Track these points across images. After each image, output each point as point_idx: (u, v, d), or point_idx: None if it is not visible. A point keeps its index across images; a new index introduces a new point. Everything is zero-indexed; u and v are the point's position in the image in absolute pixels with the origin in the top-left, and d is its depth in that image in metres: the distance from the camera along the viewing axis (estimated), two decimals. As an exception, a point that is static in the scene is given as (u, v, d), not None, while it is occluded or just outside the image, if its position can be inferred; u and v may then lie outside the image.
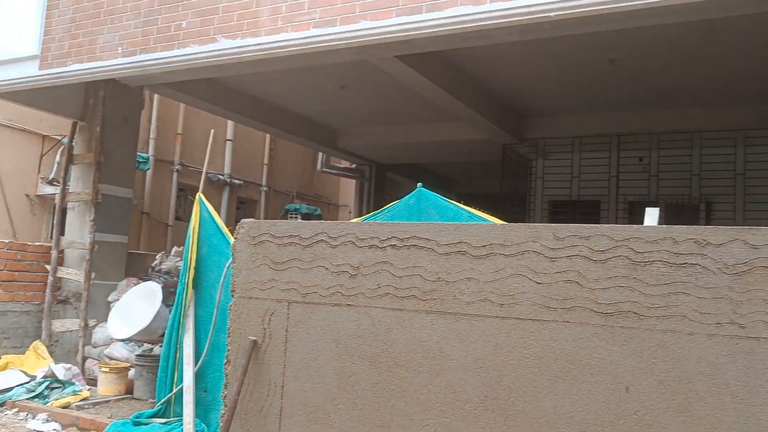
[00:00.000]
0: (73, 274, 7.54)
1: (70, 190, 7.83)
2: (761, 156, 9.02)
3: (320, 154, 12.99)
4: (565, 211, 11.06)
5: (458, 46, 5.85)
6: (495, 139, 10.04)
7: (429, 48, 5.87)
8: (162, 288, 6.57)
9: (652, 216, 3.68)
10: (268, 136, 13.81)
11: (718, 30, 6.30)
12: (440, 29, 5.32)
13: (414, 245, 2.73)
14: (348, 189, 16.15)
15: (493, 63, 7.59)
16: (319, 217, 15.00)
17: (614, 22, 5.18)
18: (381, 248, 2.80)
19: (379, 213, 5.07)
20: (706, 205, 10.09)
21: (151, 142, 11.66)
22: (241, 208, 14.42)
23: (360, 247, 2.84)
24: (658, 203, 9.84)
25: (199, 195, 5.58)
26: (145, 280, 7.49)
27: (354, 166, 13.54)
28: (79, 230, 7.73)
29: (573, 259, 2.42)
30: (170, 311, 6.49)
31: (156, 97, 11.12)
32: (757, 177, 9.16)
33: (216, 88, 8.66)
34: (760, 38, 6.35)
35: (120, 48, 6.39)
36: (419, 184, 4.82)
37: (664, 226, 2.35)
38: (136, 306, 6.46)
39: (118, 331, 6.37)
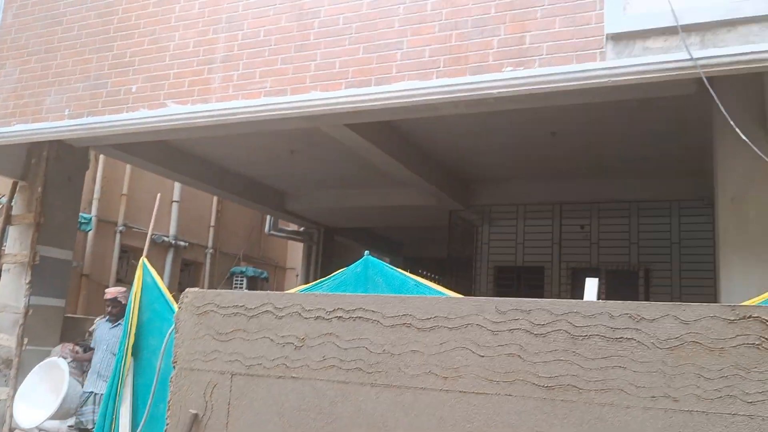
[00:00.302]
0: (4, 339, 7.21)
1: (6, 251, 7.57)
2: (695, 226, 9.43)
3: (268, 216, 12.96)
4: (510, 276, 11.24)
5: (407, 117, 6.02)
6: (442, 205, 10.23)
7: (378, 118, 6.02)
8: (69, 362, 6.31)
9: (591, 286, 3.79)
10: (215, 197, 13.72)
11: (652, 108, 6.67)
12: (389, 102, 5.48)
13: (360, 317, 2.74)
14: (296, 252, 16.07)
15: (440, 132, 7.82)
16: (265, 280, 14.82)
17: (552, 100, 5.43)
18: (327, 320, 2.80)
19: (326, 280, 5.08)
20: (644, 272, 10.43)
21: (95, 203, 11.44)
22: (185, 271, 14.15)
23: (306, 318, 2.84)
24: (599, 270, 10.12)
25: (143, 260, 5.48)
26: (81, 345, 7.21)
27: (302, 229, 13.53)
28: (14, 293, 7.43)
29: (515, 332, 2.48)
30: (82, 384, 6.21)
31: (101, 156, 10.97)
32: (691, 246, 9.54)
33: (164, 150, 8.62)
34: (690, 117, 6.74)
35: (67, 110, 6.34)
36: (366, 252, 4.86)
37: (601, 301, 2.44)
38: (41, 387, 6.13)
39: (24, 418, 6.00)
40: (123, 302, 6.01)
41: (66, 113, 6.34)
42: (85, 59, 6.39)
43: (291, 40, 5.74)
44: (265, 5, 5.89)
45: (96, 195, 11.43)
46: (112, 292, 6.26)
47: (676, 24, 4.79)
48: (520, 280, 11.17)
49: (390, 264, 4.97)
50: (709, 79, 4.73)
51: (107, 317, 6.30)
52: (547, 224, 10.48)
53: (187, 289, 3.13)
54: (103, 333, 6.22)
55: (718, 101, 4.67)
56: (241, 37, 5.88)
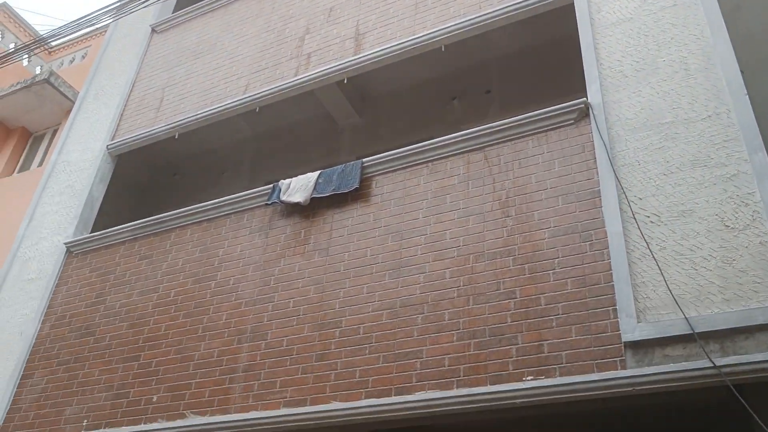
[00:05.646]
0: None
1: None
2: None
3: None
4: None
5: (428, 424, 5.87)
6: None
7: (401, 425, 5.87)
8: None
9: None
10: None
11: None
12: (410, 412, 5.38)
13: None
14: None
15: None
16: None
17: (577, 407, 5.25)
18: None
19: None
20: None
21: None
22: None
23: None
24: None
25: None
26: None
27: None
28: None
29: None
30: None
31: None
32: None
33: None
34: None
35: (85, 420, 6.37)
36: None
37: None
38: None
39: None
40: None
41: (84, 424, 6.35)
42: (112, 369, 6.52)
43: (312, 350, 5.79)
44: (289, 315, 6.02)
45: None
46: None
47: (692, 332, 4.70)
48: None
49: None
50: (738, 386, 4.56)
51: None
52: None
53: None
54: None
55: (751, 410, 4.48)
56: (264, 347, 5.95)
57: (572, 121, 5.86)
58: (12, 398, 6.99)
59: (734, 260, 4.71)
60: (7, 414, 6.91)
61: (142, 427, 6.09)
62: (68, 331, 7.21)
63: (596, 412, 5.80)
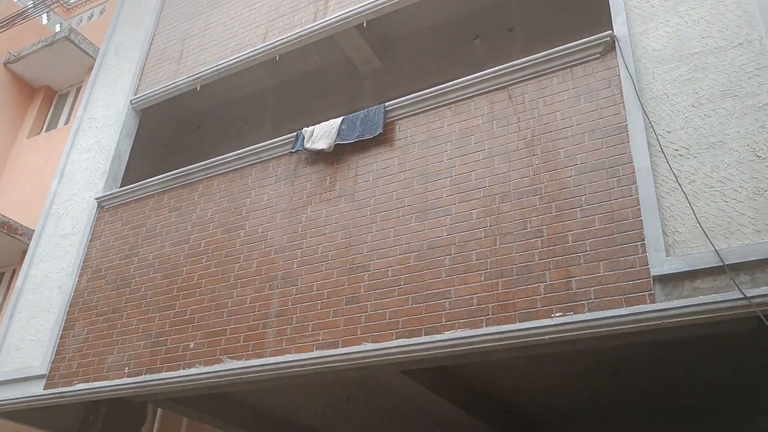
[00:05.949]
0: None
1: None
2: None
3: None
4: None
5: (460, 363, 5.98)
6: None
7: (431, 365, 5.99)
8: None
9: None
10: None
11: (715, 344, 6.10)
12: (440, 351, 5.48)
13: None
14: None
15: (498, 373, 7.26)
16: None
17: (607, 341, 5.30)
18: None
19: None
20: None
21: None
22: None
23: None
24: None
25: None
26: None
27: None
28: None
29: None
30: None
31: (159, 411, 9.91)
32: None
33: (218, 402, 8.13)
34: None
35: (126, 368, 6.61)
36: None
37: None
38: None
39: None
40: None
41: (125, 371, 6.60)
42: (149, 318, 6.72)
43: (342, 293, 5.88)
44: (318, 261, 6.14)
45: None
46: None
47: (722, 264, 4.69)
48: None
49: None
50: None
51: None
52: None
53: None
54: None
55: (780, 340, 4.50)
56: (294, 292, 6.07)
57: (598, 55, 5.73)
58: (56, 348, 7.28)
59: (766, 191, 4.64)
60: (53, 363, 7.21)
61: (181, 372, 6.30)
62: (104, 284, 7.43)
63: (626, 347, 5.85)
